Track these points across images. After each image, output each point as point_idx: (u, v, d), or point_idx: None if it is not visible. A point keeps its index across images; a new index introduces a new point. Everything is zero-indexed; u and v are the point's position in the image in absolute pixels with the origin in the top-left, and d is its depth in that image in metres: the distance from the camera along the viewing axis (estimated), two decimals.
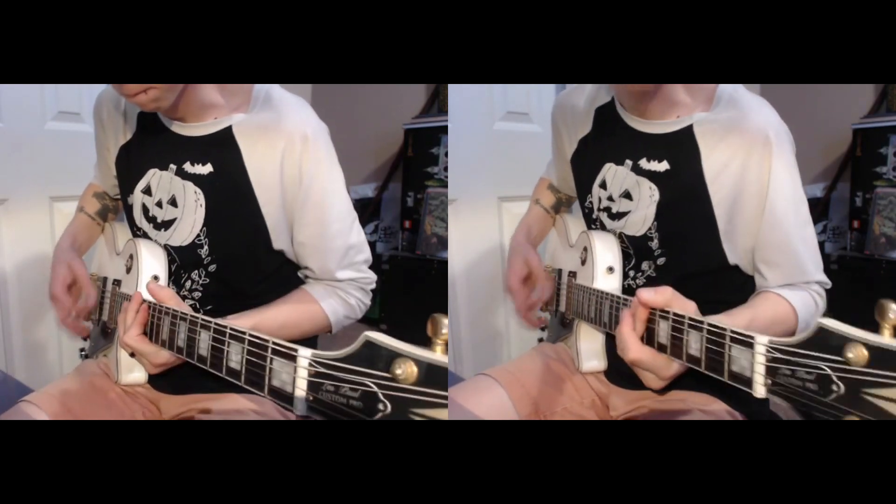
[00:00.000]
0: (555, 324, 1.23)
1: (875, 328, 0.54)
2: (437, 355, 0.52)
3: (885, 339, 0.53)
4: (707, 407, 1.01)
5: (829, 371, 0.55)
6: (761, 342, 0.62)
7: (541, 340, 1.29)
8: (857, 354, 0.53)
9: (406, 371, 0.52)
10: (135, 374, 1.02)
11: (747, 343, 0.64)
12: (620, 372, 1.07)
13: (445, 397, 0.51)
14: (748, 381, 0.64)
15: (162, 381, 1.03)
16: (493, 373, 1.11)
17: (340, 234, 1.05)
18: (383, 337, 0.54)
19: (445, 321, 0.52)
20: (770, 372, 0.62)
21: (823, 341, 0.56)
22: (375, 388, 0.53)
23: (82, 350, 1.17)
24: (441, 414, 0.51)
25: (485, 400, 1.07)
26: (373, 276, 1.11)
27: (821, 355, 0.56)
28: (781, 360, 0.60)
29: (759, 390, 0.63)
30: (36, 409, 0.99)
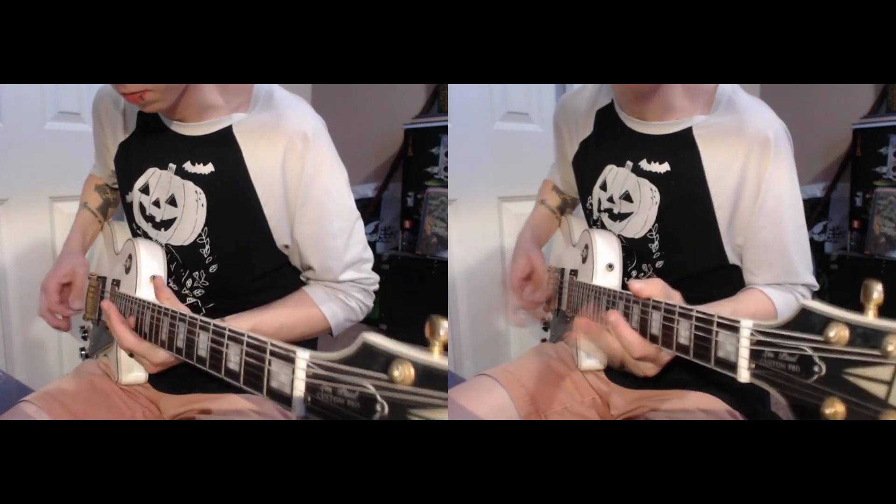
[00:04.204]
0: (556, 323, 1.23)
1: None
2: (434, 357, 0.51)
3: (866, 318, 0.53)
4: (707, 407, 1.01)
5: (810, 352, 0.55)
6: (746, 326, 0.63)
7: (544, 341, 1.29)
8: (838, 334, 0.53)
9: (403, 373, 0.52)
10: (135, 373, 1.02)
11: (733, 328, 0.64)
12: (621, 370, 1.07)
13: (443, 399, 0.51)
14: (733, 367, 0.64)
15: (162, 380, 1.03)
16: (493, 373, 1.11)
17: (342, 233, 1.04)
18: (381, 339, 0.54)
19: (444, 323, 0.52)
20: (754, 356, 0.62)
21: (806, 322, 0.56)
22: (373, 390, 0.53)
23: (82, 350, 1.17)
24: (440, 415, 0.51)
25: (485, 400, 1.07)
26: (375, 277, 1.11)
27: (803, 336, 0.56)
28: (765, 342, 0.60)
29: (744, 374, 0.62)
30: (36, 408, 0.99)
